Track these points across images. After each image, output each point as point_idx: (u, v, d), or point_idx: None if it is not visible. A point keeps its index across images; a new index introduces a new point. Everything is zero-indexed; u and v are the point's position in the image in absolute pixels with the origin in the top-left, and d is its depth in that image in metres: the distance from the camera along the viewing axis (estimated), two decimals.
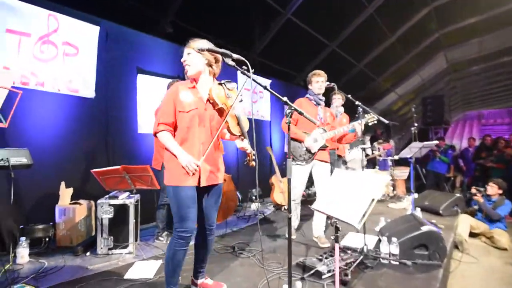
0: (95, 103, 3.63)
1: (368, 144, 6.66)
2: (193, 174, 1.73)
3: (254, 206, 4.69)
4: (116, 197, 2.77)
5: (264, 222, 3.94)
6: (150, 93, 4.18)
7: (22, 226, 2.81)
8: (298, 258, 2.61)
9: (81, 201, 3.10)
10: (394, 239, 2.63)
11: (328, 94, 4.17)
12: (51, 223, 2.92)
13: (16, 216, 2.94)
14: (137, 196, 2.95)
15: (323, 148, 3.16)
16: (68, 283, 2.14)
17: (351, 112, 3.67)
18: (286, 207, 3.52)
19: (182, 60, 1.85)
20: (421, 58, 9.08)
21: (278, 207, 4.68)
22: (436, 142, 3.69)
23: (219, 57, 1.87)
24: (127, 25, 4.02)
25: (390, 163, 6.03)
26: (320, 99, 3.21)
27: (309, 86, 3.23)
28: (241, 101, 1.99)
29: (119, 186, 2.68)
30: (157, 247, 2.91)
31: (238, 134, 1.92)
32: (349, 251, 2.74)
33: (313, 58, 7.08)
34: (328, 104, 4.06)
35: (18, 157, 2.25)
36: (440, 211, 4.16)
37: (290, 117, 1.52)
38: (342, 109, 4.15)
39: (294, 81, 7.53)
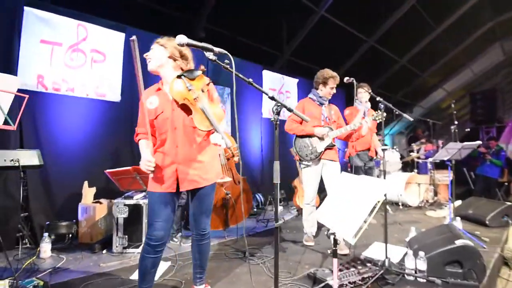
0: (121, 107, 3.80)
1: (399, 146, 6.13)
2: (152, 172, 1.63)
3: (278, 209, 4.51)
4: (131, 197, 2.83)
5: (284, 227, 3.78)
6: None
7: (48, 222, 3.01)
8: (311, 268, 2.43)
9: (102, 200, 3.23)
10: (421, 253, 2.32)
11: (349, 90, 3.91)
12: (74, 221, 3.08)
13: (48, 213, 3.18)
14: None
15: (330, 147, 2.95)
16: (77, 280, 2.20)
17: (374, 107, 3.36)
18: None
19: (144, 55, 1.75)
20: (472, 51, 8.26)
21: (301, 211, 4.48)
22: (478, 142, 3.21)
23: (188, 54, 1.78)
24: (153, 31, 4.14)
25: (430, 166, 5.46)
26: (324, 100, 3.04)
27: (320, 87, 3.03)
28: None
29: (132, 186, 2.73)
30: (170, 248, 2.92)
31: (206, 129, 1.67)
32: (369, 264, 2.48)
33: (349, 56, 6.78)
34: (350, 100, 3.80)
35: (28, 158, 2.39)
36: (487, 222, 3.63)
37: (278, 114, 1.38)
38: (369, 104, 3.83)
39: None
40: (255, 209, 4.57)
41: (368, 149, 3.87)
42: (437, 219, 4.19)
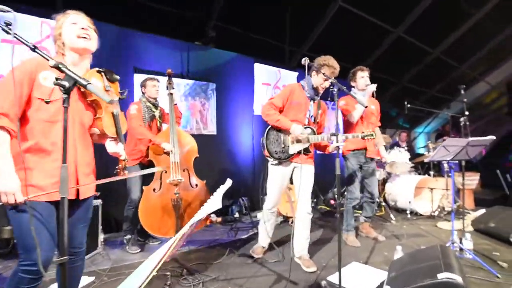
0: None
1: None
2: None
3: (259, 215, 4.07)
4: None
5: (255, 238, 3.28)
6: None
7: None
8: None
9: None
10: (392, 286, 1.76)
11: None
12: None
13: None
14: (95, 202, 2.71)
15: (305, 153, 2.45)
16: None
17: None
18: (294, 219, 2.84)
19: (82, 27, 1.40)
20: None
21: (285, 218, 3.98)
22: (491, 137, 2.48)
23: None
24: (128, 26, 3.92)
25: (446, 167, 4.60)
26: (315, 93, 2.51)
27: (313, 74, 2.52)
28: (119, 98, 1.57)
29: None
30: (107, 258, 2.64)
31: (113, 135, 1.56)
32: None
33: (373, 49, 6.14)
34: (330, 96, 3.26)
35: None
36: (511, 239, 2.86)
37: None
38: (373, 87, 3.14)
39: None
40: (235, 215, 4.15)
41: (365, 148, 3.13)
42: (449, 232, 3.43)
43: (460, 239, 2.75)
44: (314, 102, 2.53)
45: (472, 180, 4.72)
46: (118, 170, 1.61)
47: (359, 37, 5.65)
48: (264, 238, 2.66)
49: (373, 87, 3.00)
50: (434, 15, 5.47)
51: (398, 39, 5.94)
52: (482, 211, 3.73)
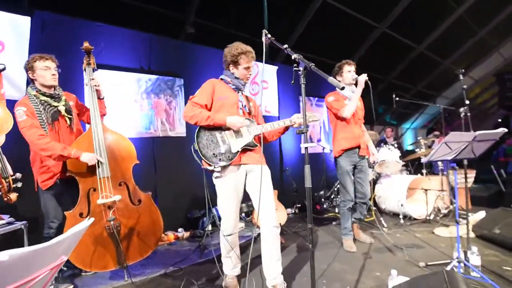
0: None
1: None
2: None
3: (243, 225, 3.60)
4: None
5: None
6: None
7: None
8: None
9: None
10: None
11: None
12: None
13: None
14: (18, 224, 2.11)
15: (251, 147, 1.96)
16: None
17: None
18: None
19: None
20: (502, 32, 7.14)
21: None
22: (502, 130, 2.06)
23: None
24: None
25: (441, 165, 4.22)
26: (241, 83, 2.06)
27: (231, 69, 2.08)
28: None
29: None
30: None
31: None
32: None
33: (358, 45, 6.01)
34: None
35: None
36: None
37: None
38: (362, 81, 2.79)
39: None
40: (208, 228, 3.62)
41: (358, 147, 2.88)
42: (448, 240, 3.02)
43: (465, 253, 2.31)
44: (242, 94, 2.11)
45: (469, 178, 4.34)
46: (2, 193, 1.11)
47: (343, 33, 5.52)
48: (230, 267, 2.10)
49: (364, 76, 2.70)
50: (418, 10, 5.41)
51: (383, 34, 5.84)
52: (482, 213, 3.33)
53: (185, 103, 4.11)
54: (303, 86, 1.28)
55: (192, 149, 1.95)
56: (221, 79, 2.12)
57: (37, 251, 0.59)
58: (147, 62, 3.87)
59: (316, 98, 6.04)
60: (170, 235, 3.43)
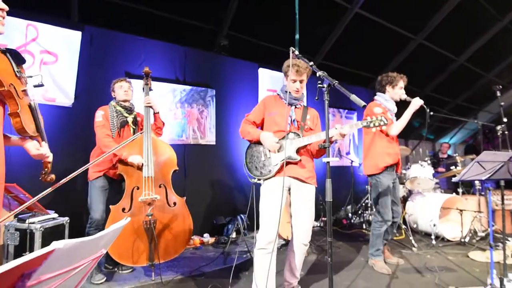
0: (73, 112, 3.34)
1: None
2: None
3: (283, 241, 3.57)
4: (23, 220, 2.23)
5: (248, 265, 2.77)
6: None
7: None
8: None
9: None
10: None
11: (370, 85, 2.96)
12: None
13: None
14: (60, 220, 2.36)
15: (292, 160, 1.98)
16: None
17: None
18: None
19: None
20: None
21: (286, 242, 3.48)
22: None
23: None
24: (117, 29, 3.69)
25: (478, 184, 3.96)
26: (293, 98, 2.10)
27: (284, 80, 2.15)
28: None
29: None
30: None
31: (33, 134, 1.28)
32: None
33: (393, 56, 5.88)
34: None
35: None
36: None
37: None
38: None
39: (370, 85, 6.21)
40: (232, 235, 3.69)
41: (397, 163, 2.80)
42: (484, 265, 2.82)
43: (501, 280, 2.16)
44: (296, 107, 2.13)
45: (507, 199, 4.03)
46: (44, 175, 1.31)
47: (377, 45, 5.42)
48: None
49: (420, 101, 2.66)
50: (457, 21, 5.19)
51: (419, 46, 5.65)
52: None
53: (216, 112, 4.34)
54: (326, 102, 1.33)
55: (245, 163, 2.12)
56: (277, 94, 2.20)
57: (83, 243, 0.69)
58: (182, 73, 4.11)
59: (346, 110, 5.97)
60: (196, 240, 3.55)
